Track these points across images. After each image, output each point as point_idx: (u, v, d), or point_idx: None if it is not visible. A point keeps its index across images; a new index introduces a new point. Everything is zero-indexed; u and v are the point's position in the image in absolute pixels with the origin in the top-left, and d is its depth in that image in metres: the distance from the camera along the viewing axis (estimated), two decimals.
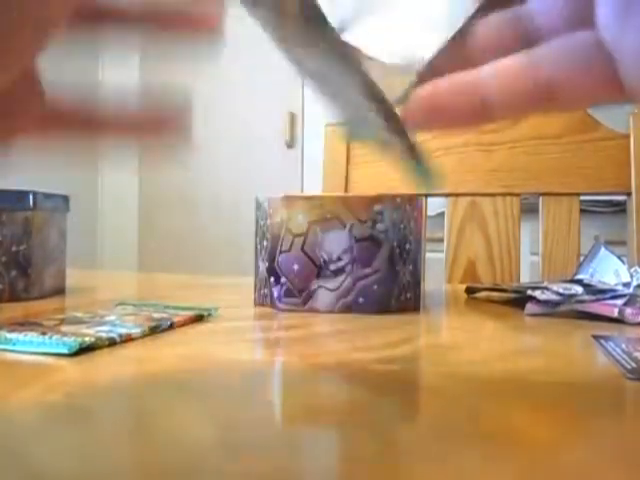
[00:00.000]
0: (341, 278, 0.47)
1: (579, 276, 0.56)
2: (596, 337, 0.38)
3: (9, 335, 0.33)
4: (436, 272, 0.87)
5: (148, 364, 0.30)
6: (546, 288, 0.50)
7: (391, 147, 0.24)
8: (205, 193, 2.41)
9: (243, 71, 2.33)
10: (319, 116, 2.11)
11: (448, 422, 0.22)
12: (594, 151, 0.82)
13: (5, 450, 0.19)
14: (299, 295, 0.47)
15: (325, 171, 0.93)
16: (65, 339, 0.32)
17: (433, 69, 0.24)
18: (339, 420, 0.22)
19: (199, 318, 0.42)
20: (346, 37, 0.24)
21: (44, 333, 0.33)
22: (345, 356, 0.32)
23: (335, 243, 0.47)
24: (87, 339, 0.32)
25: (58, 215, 0.57)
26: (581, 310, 0.46)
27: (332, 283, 0.47)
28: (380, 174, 0.90)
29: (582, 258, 0.61)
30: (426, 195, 0.86)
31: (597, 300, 0.47)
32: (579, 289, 0.49)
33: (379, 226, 0.47)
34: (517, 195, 0.85)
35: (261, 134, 2.33)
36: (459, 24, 0.24)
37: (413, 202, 0.49)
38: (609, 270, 0.55)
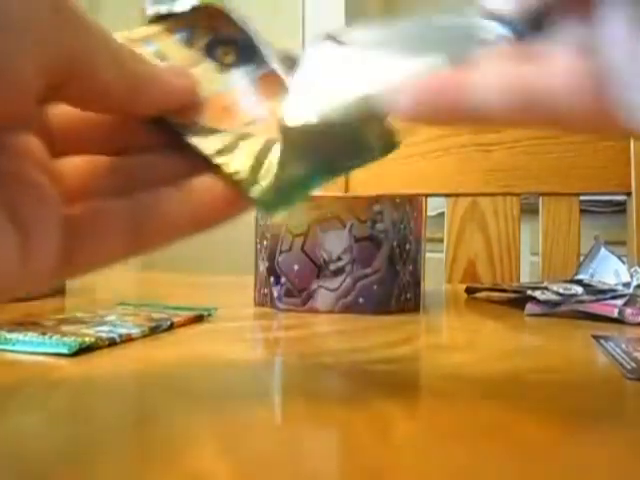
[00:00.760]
0: (341, 278, 0.47)
1: (579, 276, 0.56)
2: (596, 337, 0.38)
3: (9, 335, 0.33)
4: (436, 272, 0.87)
5: (148, 364, 0.30)
6: (546, 288, 0.49)
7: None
8: None
9: None
10: None
11: (448, 422, 0.22)
12: (594, 151, 0.82)
13: (5, 450, 0.19)
14: (299, 295, 0.47)
15: None
16: (65, 339, 0.32)
17: None
18: (339, 420, 0.22)
19: (199, 318, 0.42)
20: None
21: (44, 333, 0.33)
22: (345, 356, 0.32)
23: (335, 243, 0.47)
24: (87, 339, 0.32)
25: None
26: (581, 310, 0.46)
27: (332, 283, 0.47)
28: (380, 174, 0.90)
29: (582, 258, 0.61)
30: (426, 195, 0.86)
31: (597, 300, 0.47)
32: (579, 289, 0.49)
33: (379, 226, 0.47)
34: (517, 195, 0.85)
35: None
36: None
37: (413, 202, 0.49)
38: (609, 270, 0.55)
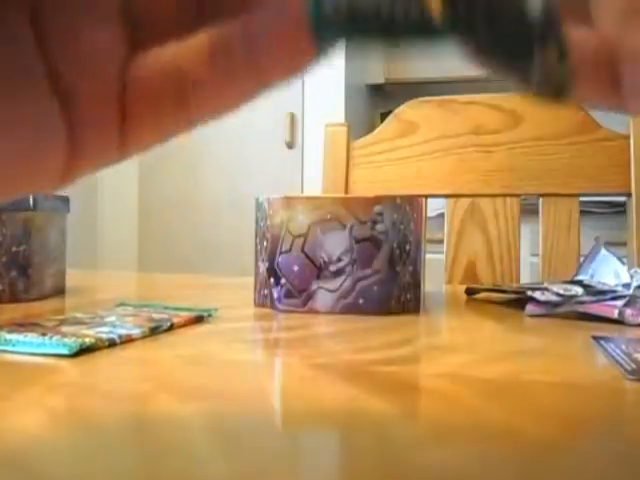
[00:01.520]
0: (341, 279, 0.47)
1: (579, 277, 0.56)
2: (596, 338, 0.38)
3: (9, 336, 0.33)
4: (436, 273, 0.87)
5: (148, 365, 0.30)
6: (546, 289, 0.49)
7: None
8: (205, 193, 2.41)
9: None
10: (319, 116, 2.11)
11: (448, 423, 0.22)
12: (594, 152, 0.82)
13: (5, 450, 0.19)
14: (299, 296, 0.47)
15: (325, 171, 0.93)
16: (65, 340, 0.32)
17: None
18: (339, 421, 0.22)
19: (199, 319, 0.42)
20: None
21: (44, 334, 0.33)
22: (345, 357, 0.32)
23: (335, 244, 0.47)
24: (87, 340, 0.32)
25: (58, 215, 0.57)
26: (581, 311, 0.46)
27: (332, 284, 0.47)
28: (380, 174, 0.90)
29: (582, 259, 0.61)
30: (426, 196, 0.86)
31: (597, 301, 0.47)
32: (579, 290, 0.49)
33: (379, 227, 0.47)
34: (517, 196, 0.85)
35: (261, 134, 2.33)
36: None
37: (413, 203, 0.49)
38: (609, 271, 0.55)
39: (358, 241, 0.47)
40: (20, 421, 0.21)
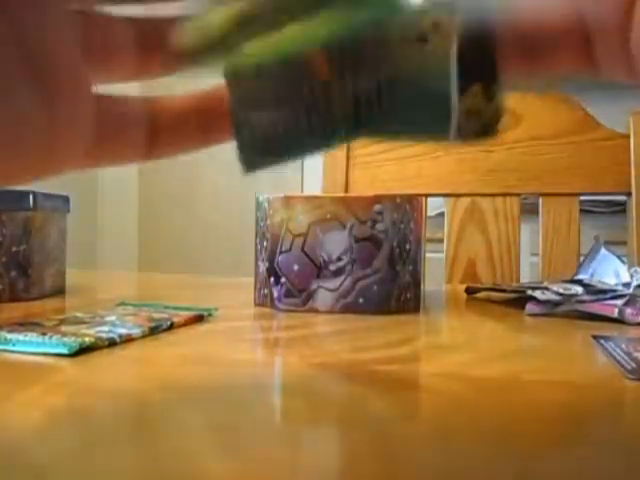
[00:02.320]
0: (341, 278, 0.47)
1: (579, 276, 0.56)
2: (596, 337, 0.38)
3: (9, 335, 0.33)
4: (436, 272, 0.87)
5: (148, 364, 0.30)
6: (546, 288, 0.50)
7: None
8: (205, 193, 2.41)
9: None
10: None
11: (448, 422, 0.22)
12: (594, 151, 0.82)
13: (5, 451, 0.19)
14: (299, 295, 0.47)
15: (325, 171, 0.93)
16: (65, 339, 0.32)
17: None
18: (339, 420, 0.22)
19: (199, 318, 0.42)
20: None
21: (44, 333, 0.33)
22: (345, 356, 0.32)
23: (335, 243, 0.47)
24: (87, 339, 0.32)
25: (58, 215, 0.57)
26: (581, 310, 0.46)
27: (332, 283, 0.47)
28: (380, 174, 0.90)
29: (582, 258, 0.61)
30: (426, 196, 0.86)
31: (597, 300, 0.47)
32: (579, 289, 0.49)
33: (379, 226, 0.47)
34: (517, 195, 0.85)
35: None
36: None
37: (413, 202, 0.49)
38: (609, 270, 0.55)
39: (358, 240, 0.47)
40: (20, 421, 0.21)
